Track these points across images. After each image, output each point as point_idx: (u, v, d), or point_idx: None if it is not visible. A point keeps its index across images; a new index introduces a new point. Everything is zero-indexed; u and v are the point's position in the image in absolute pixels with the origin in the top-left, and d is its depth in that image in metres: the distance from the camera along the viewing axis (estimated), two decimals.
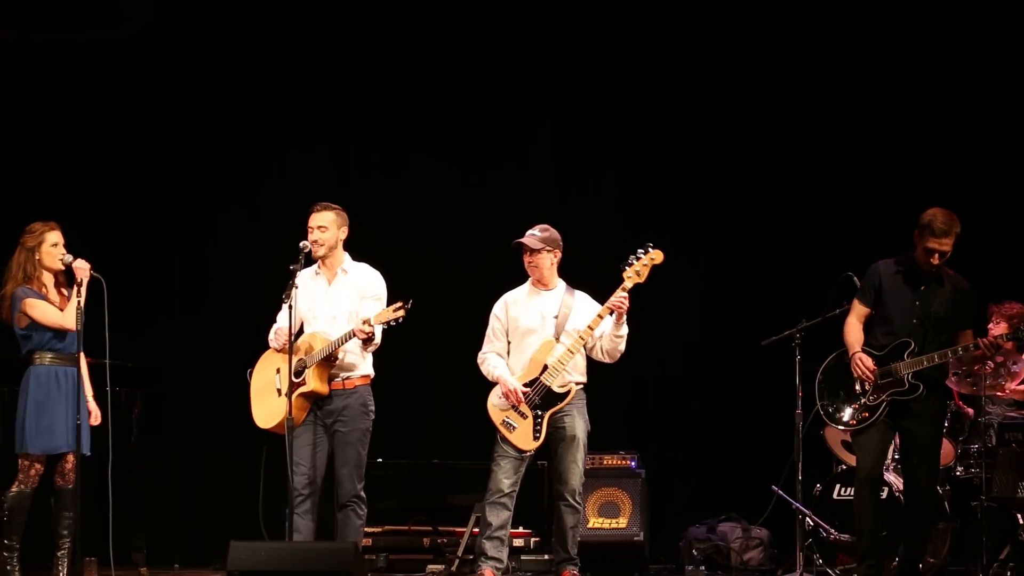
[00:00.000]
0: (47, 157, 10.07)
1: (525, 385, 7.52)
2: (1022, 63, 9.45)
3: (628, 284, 7.32)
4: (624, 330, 7.46)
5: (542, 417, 7.47)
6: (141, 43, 10.13)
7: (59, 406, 7.57)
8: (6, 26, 10.08)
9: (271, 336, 7.59)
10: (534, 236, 7.63)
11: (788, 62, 9.77)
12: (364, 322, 7.21)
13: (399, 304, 7.16)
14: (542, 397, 7.48)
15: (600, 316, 7.42)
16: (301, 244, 7.38)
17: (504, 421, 7.56)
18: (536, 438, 7.47)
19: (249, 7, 10.11)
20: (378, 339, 7.37)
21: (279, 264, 7.61)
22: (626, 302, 7.32)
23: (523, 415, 7.51)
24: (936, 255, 7.14)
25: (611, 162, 9.98)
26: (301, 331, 7.57)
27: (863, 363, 7.23)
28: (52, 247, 7.66)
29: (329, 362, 7.40)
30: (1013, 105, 9.43)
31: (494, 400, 7.60)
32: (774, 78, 9.78)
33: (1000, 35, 9.53)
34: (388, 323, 7.21)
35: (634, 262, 7.34)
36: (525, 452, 7.52)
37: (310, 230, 7.50)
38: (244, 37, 10.11)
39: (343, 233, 7.57)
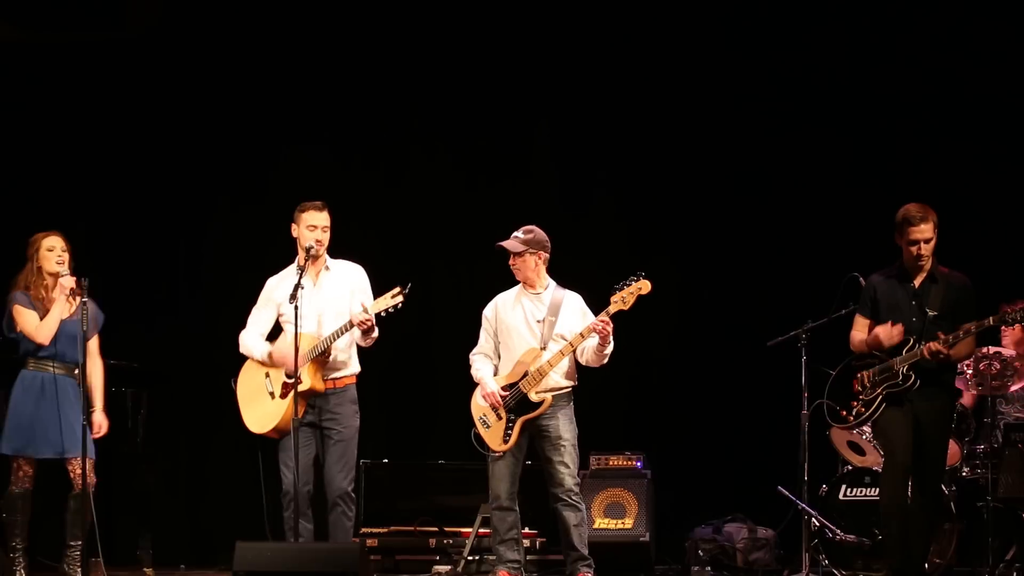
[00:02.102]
0: (53, 157, 10.09)
1: (504, 388, 7.60)
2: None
3: (612, 309, 7.38)
4: (609, 349, 7.52)
5: (514, 421, 7.55)
6: (147, 43, 10.14)
7: (41, 411, 7.57)
8: (13, 26, 10.10)
9: (256, 354, 7.53)
10: (517, 238, 7.67)
11: (791, 61, 9.77)
12: (363, 309, 7.16)
13: (397, 290, 7.13)
14: (517, 402, 7.56)
15: (582, 335, 7.47)
16: (307, 245, 7.36)
17: (481, 418, 7.66)
18: (506, 440, 7.55)
19: (254, 10, 10.12)
20: (376, 330, 7.34)
21: (283, 264, 7.62)
22: (608, 326, 7.36)
23: (498, 416, 7.59)
24: (919, 244, 7.13)
25: (614, 164, 9.99)
26: (278, 331, 7.53)
27: (887, 331, 7.17)
28: (48, 251, 7.69)
29: (323, 359, 7.36)
30: (1016, 103, 9.42)
31: (477, 398, 7.71)
32: (778, 77, 9.79)
33: (1002, 35, 9.51)
34: (386, 311, 7.17)
35: (623, 288, 7.37)
36: (495, 452, 7.59)
37: (312, 228, 7.44)
38: (249, 39, 10.12)
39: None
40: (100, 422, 7.72)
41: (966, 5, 9.55)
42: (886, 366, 7.22)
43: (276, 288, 7.56)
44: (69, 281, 7.56)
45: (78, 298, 7.63)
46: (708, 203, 9.81)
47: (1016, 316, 7.06)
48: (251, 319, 7.63)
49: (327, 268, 7.53)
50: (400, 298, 7.13)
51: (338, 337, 7.29)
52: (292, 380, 7.23)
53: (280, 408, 7.38)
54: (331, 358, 7.38)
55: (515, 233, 7.68)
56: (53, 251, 7.68)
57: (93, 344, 7.73)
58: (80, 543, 7.60)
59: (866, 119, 9.65)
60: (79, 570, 7.61)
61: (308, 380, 7.30)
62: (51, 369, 7.64)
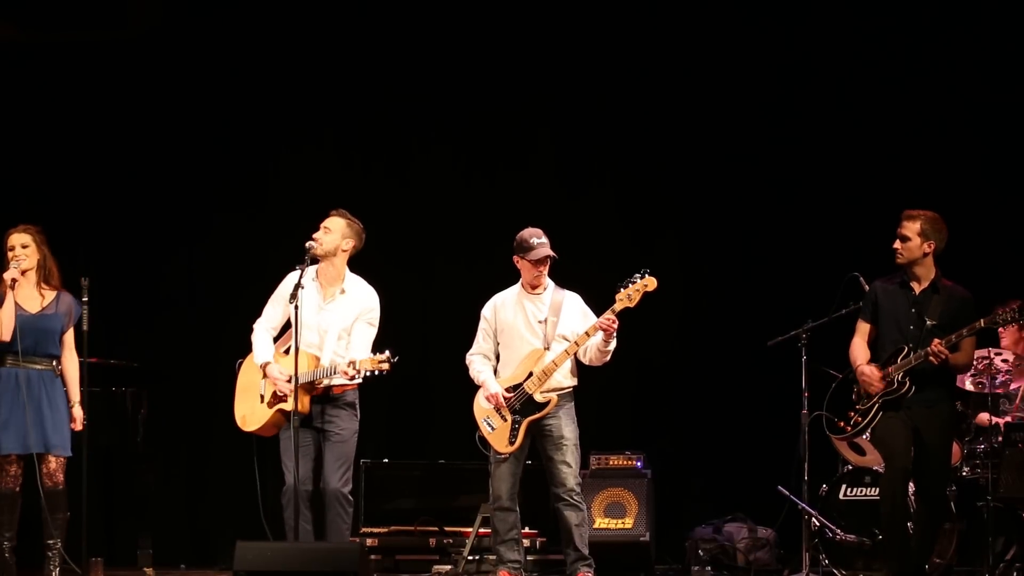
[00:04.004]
0: (52, 157, 10.08)
1: (508, 390, 7.57)
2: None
3: (618, 307, 7.37)
4: (612, 346, 7.51)
5: (520, 423, 7.53)
6: (147, 44, 10.14)
7: (14, 408, 7.54)
8: (13, 26, 10.10)
9: (256, 358, 7.51)
10: (548, 245, 7.60)
11: (793, 59, 9.77)
12: (350, 364, 7.15)
13: (386, 357, 7.12)
14: (522, 404, 7.54)
15: (588, 334, 7.47)
16: (307, 244, 7.36)
17: (485, 420, 7.64)
18: (511, 442, 7.53)
19: (255, 9, 10.13)
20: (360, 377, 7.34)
21: (283, 264, 7.62)
22: (615, 324, 7.36)
23: (503, 418, 7.57)
24: (896, 240, 7.20)
25: (614, 162, 9.99)
26: (287, 327, 7.49)
27: (872, 374, 7.24)
28: (8, 251, 7.68)
29: (311, 386, 7.35)
30: (1015, 104, 9.42)
31: (480, 400, 7.68)
32: (778, 76, 9.79)
33: (1001, 36, 9.52)
34: (371, 372, 7.16)
35: (628, 285, 7.37)
36: (500, 454, 7.57)
37: (318, 228, 7.48)
38: (249, 38, 10.12)
39: (347, 244, 7.47)
40: (77, 416, 7.66)
41: (968, 7, 9.55)
42: (883, 375, 7.25)
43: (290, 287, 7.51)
44: (10, 274, 7.56)
45: (52, 292, 7.65)
46: (709, 203, 9.81)
47: (1007, 317, 7.09)
48: (265, 310, 7.61)
49: (343, 291, 7.49)
50: (387, 365, 7.12)
51: (326, 376, 7.28)
52: (281, 395, 7.30)
53: (263, 416, 7.41)
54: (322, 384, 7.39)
55: (540, 240, 7.57)
56: (13, 250, 7.66)
57: (68, 338, 7.70)
58: (57, 542, 7.61)
59: (868, 118, 9.64)
60: (57, 570, 7.60)
61: (295, 403, 7.26)
62: (23, 365, 7.61)
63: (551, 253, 7.58)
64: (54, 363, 7.67)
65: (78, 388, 7.71)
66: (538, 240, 7.58)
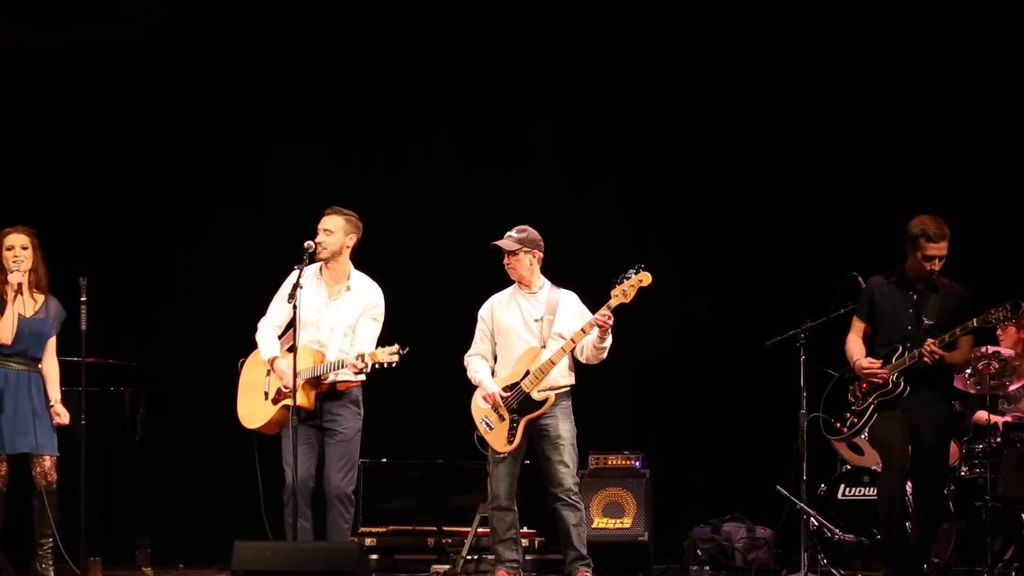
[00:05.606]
0: (51, 156, 10.09)
1: (506, 389, 7.59)
2: (1021, 66, 9.45)
3: (613, 303, 7.38)
4: (607, 343, 7.52)
5: (518, 422, 7.54)
6: (146, 43, 10.15)
7: (7, 409, 7.57)
8: (12, 26, 10.10)
9: (263, 354, 7.51)
10: (511, 238, 7.67)
11: (792, 57, 9.77)
12: (359, 356, 7.16)
13: (396, 349, 7.14)
14: (520, 402, 7.55)
15: (584, 331, 7.47)
16: (305, 244, 7.33)
17: (483, 420, 7.65)
18: (510, 441, 7.54)
19: (253, 8, 10.13)
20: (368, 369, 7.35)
21: (282, 263, 7.62)
22: (610, 320, 7.37)
23: (501, 417, 7.59)
24: (935, 260, 7.14)
25: (612, 162, 9.99)
26: (291, 326, 7.49)
27: (872, 365, 7.24)
28: (7, 250, 7.67)
29: (317, 382, 7.37)
30: (1012, 105, 9.42)
31: (478, 400, 7.70)
32: (778, 75, 9.79)
33: (999, 37, 9.52)
34: (381, 364, 7.17)
35: (623, 281, 7.38)
36: (499, 454, 7.58)
37: (318, 231, 7.46)
38: (248, 38, 10.13)
39: (350, 240, 7.49)
40: (59, 412, 7.69)
41: (966, 7, 9.55)
42: None
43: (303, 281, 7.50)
44: (16, 277, 7.57)
45: (42, 296, 7.66)
46: (708, 202, 9.81)
47: (999, 316, 7.07)
48: (270, 308, 7.61)
49: (348, 288, 7.50)
50: (396, 357, 7.13)
51: (333, 370, 7.29)
52: (286, 391, 7.28)
53: (268, 412, 7.42)
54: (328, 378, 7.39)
55: (509, 232, 7.68)
56: (12, 250, 7.67)
57: (52, 342, 7.74)
58: (50, 540, 7.63)
59: (867, 118, 9.64)
60: (51, 568, 7.63)
61: (300, 399, 7.26)
62: (15, 366, 7.64)
63: (496, 243, 7.63)
64: (39, 366, 7.71)
65: (58, 388, 7.75)
66: (506, 235, 7.66)
